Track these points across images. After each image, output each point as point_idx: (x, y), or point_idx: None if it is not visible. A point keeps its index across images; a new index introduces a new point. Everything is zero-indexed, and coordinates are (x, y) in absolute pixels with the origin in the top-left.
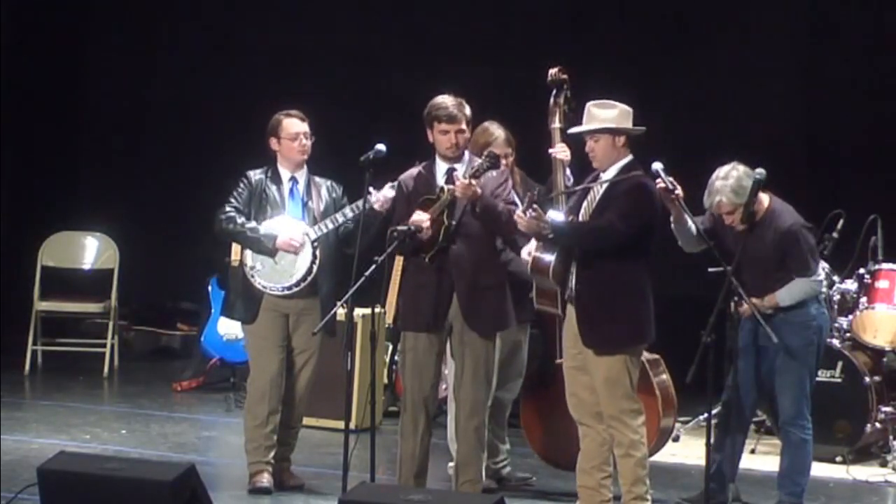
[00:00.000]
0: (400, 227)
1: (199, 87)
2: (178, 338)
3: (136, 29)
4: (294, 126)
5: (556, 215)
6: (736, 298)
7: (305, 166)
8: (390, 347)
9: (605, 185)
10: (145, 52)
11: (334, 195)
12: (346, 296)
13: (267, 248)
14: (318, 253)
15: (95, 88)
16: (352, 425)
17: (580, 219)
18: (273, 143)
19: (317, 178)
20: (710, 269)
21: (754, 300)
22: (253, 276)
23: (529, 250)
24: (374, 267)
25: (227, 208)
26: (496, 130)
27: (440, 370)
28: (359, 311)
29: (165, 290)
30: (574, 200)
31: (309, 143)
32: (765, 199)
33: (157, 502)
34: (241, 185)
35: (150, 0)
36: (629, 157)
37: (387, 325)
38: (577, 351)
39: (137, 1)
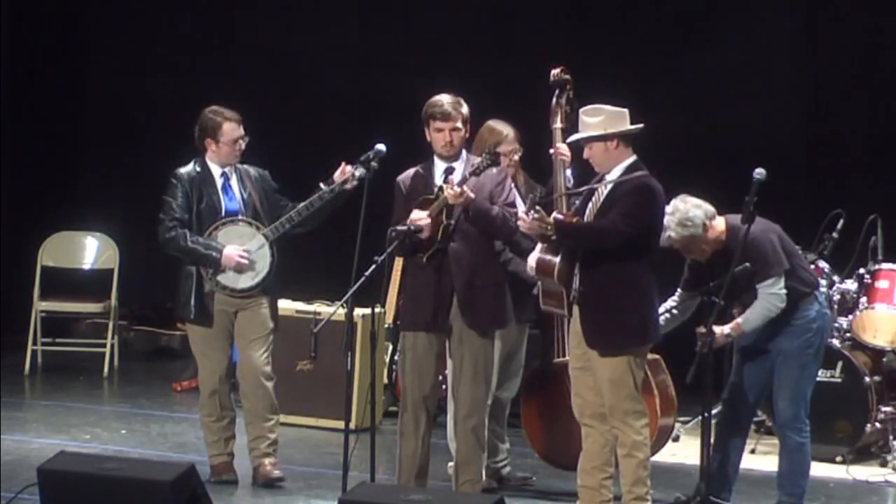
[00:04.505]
0: (399, 227)
1: (198, 87)
2: (178, 338)
3: (137, 29)
4: (235, 131)
5: (559, 216)
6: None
7: None
8: (390, 347)
9: (609, 186)
10: (145, 52)
11: (264, 184)
12: (347, 296)
13: (215, 261)
14: (276, 254)
15: (95, 88)
16: (352, 425)
17: (585, 220)
18: (209, 143)
19: (244, 167)
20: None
21: (720, 329)
22: (212, 277)
23: (533, 264)
24: (374, 267)
25: (169, 223)
26: (504, 128)
27: (440, 370)
28: (359, 311)
29: (165, 290)
30: (579, 202)
31: (244, 144)
32: (720, 223)
33: (157, 502)
34: (175, 187)
35: (150, 0)
36: (632, 158)
37: (387, 325)
38: (582, 352)
39: (137, 1)
